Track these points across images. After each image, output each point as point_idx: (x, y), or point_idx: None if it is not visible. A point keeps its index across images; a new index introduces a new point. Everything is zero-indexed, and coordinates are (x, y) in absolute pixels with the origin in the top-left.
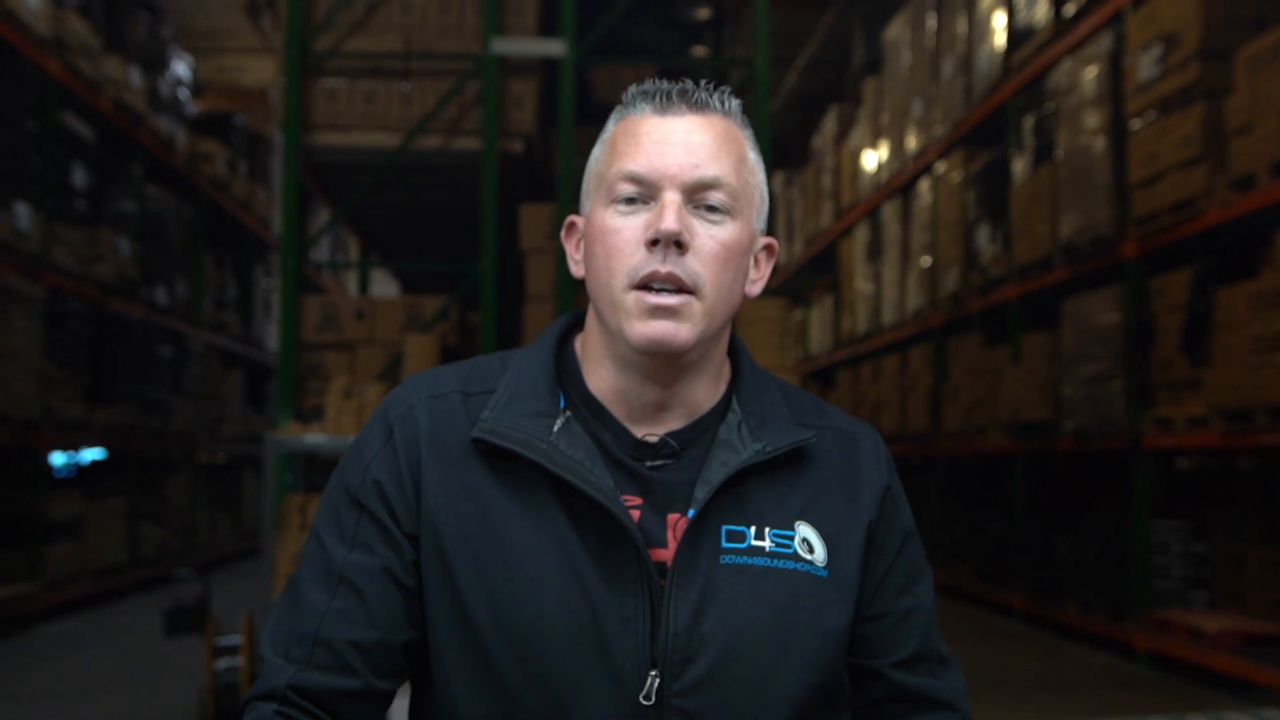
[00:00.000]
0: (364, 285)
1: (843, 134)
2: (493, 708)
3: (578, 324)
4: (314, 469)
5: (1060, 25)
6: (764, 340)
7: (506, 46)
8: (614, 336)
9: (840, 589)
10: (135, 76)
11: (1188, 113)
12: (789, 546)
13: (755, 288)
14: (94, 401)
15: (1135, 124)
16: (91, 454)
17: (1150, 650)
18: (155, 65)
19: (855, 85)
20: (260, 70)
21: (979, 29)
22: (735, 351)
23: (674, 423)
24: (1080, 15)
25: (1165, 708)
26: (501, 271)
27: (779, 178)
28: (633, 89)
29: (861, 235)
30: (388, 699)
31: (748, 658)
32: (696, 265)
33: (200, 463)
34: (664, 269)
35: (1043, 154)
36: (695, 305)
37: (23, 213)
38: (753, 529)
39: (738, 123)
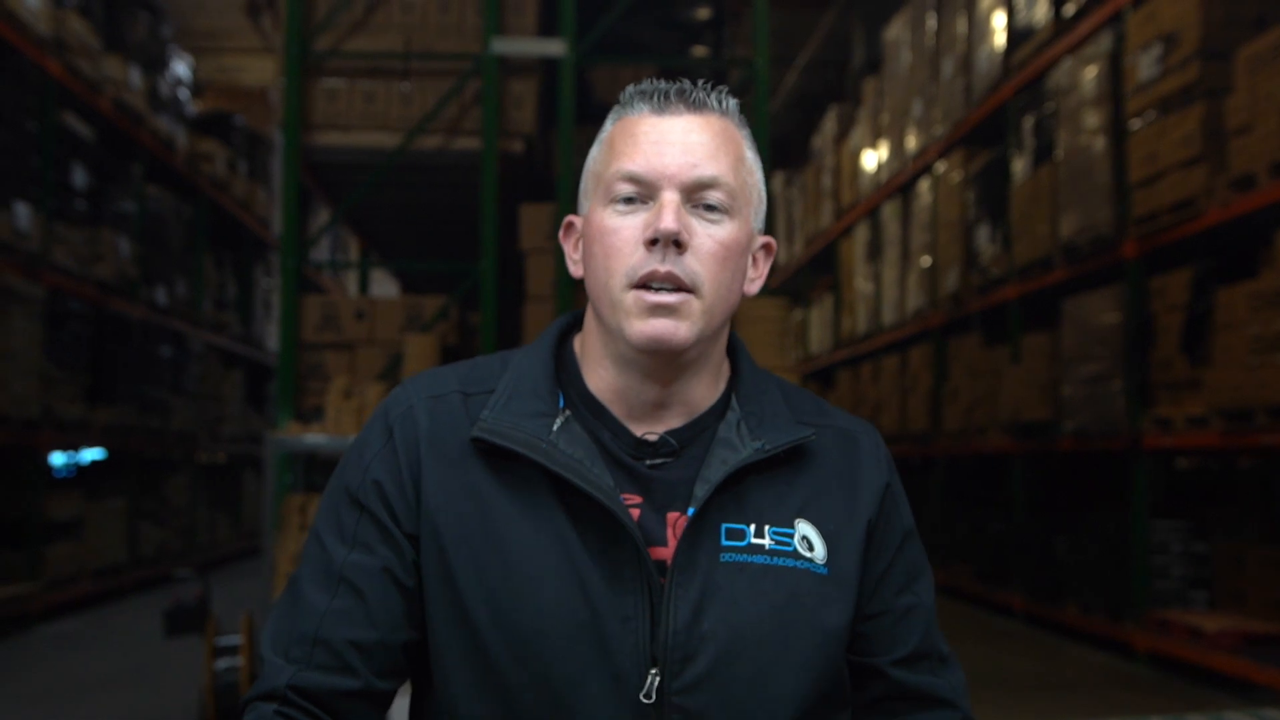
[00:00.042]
0: (364, 285)
1: (843, 134)
2: (493, 707)
3: (576, 324)
4: (314, 469)
5: (1060, 25)
6: (764, 340)
7: (506, 46)
8: (613, 335)
9: (840, 587)
10: (135, 76)
11: (1187, 112)
12: (789, 544)
13: (753, 286)
14: (94, 401)
15: (1135, 124)
16: (91, 454)
17: (1150, 650)
18: (155, 65)
19: (855, 85)
20: (260, 70)
21: (979, 29)
22: (734, 350)
23: (673, 421)
24: (1080, 15)
25: (1165, 708)
26: (501, 271)
27: (779, 178)
28: (630, 89)
29: (861, 235)
30: (388, 699)
31: (748, 656)
32: (695, 264)
33: (200, 463)
34: (663, 268)
35: (1043, 154)
36: (694, 303)
37: (23, 212)
38: (752, 527)
39: (735, 122)
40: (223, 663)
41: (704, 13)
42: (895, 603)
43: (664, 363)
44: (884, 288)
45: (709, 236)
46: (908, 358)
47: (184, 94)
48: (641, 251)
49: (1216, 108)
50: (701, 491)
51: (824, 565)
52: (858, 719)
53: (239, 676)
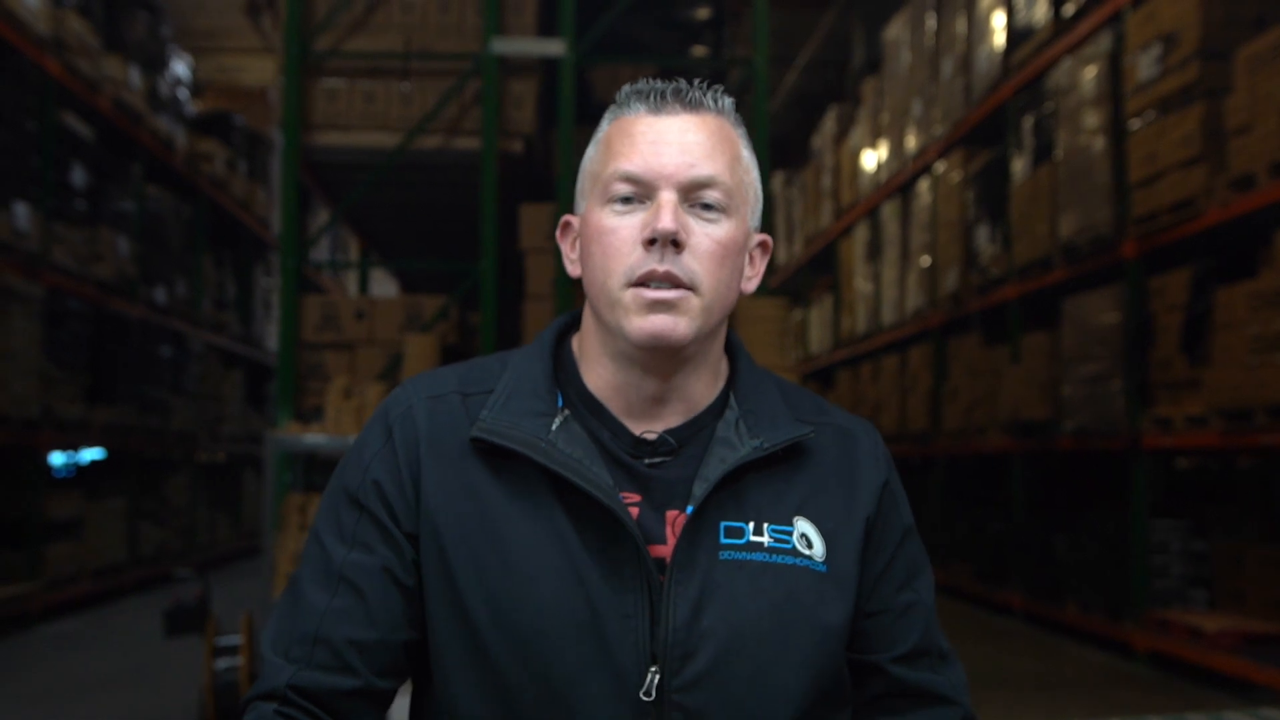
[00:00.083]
0: (364, 285)
1: (842, 134)
2: (493, 706)
3: (575, 324)
4: (314, 469)
5: (1060, 25)
6: (764, 340)
7: (506, 46)
8: (612, 333)
9: (839, 584)
10: (135, 76)
11: (1187, 112)
12: (788, 542)
13: (750, 284)
14: (93, 401)
15: (1135, 124)
16: (91, 454)
17: (1150, 649)
18: (155, 65)
19: (855, 85)
20: (260, 70)
21: (978, 29)
22: (732, 349)
23: (672, 420)
24: (1080, 15)
25: (1165, 707)
26: (501, 271)
27: (779, 177)
28: (626, 88)
29: (861, 235)
30: (388, 698)
31: (747, 653)
32: (693, 263)
33: (200, 462)
34: (661, 268)
35: (1042, 154)
36: (693, 300)
37: (22, 212)
38: (751, 525)
39: (731, 121)
40: (223, 662)
41: (704, 12)
42: (895, 600)
43: (663, 359)
44: (884, 287)
45: (706, 235)
46: (907, 357)
47: (183, 94)
48: (640, 251)
49: (1216, 108)
50: (700, 490)
51: (823, 563)
52: (858, 716)
53: (239, 676)
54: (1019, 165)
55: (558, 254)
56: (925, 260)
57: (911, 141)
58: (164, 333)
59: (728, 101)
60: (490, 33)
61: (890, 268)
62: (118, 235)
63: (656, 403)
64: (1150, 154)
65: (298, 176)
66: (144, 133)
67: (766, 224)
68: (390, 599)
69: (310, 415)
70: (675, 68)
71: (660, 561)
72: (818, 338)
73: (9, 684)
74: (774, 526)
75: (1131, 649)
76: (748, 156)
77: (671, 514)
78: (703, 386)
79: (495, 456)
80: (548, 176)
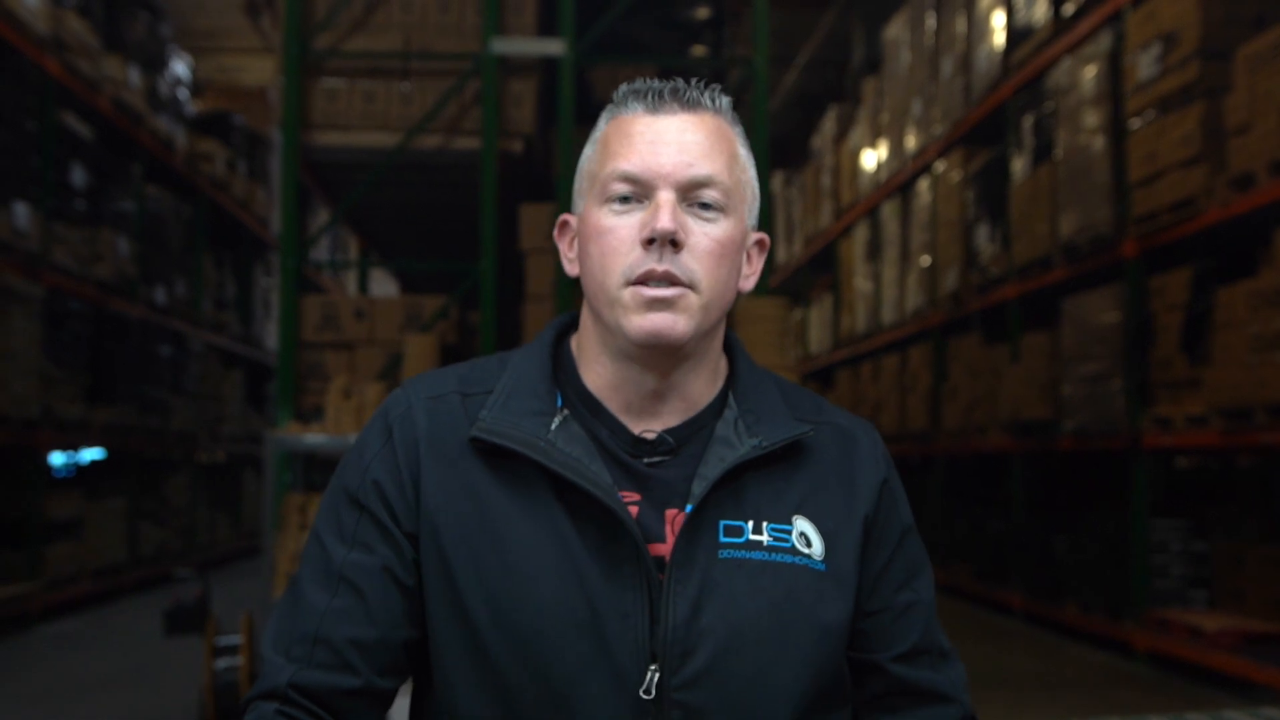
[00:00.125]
0: (363, 285)
1: (842, 133)
2: (493, 705)
3: (573, 324)
4: (314, 468)
5: (1059, 24)
6: (764, 339)
7: (506, 46)
8: (611, 332)
9: (838, 583)
10: (134, 76)
11: (1187, 112)
12: (787, 541)
13: (748, 283)
14: (93, 401)
15: (1134, 123)
16: (91, 454)
17: (1150, 649)
18: (154, 65)
19: (855, 85)
20: (260, 70)
21: (978, 28)
22: (731, 349)
23: (671, 419)
24: (1079, 14)
25: (1165, 707)
26: (501, 271)
27: (778, 177)
28: (623, 87)
29: (861, 235)
30: (389, 697)
31: (747, 651)
32: (692, 263)
33: (200, 462)
34: (660, 268)
35: (1042, 153)
36: (692, 297)
37: (22, 212)
38: (750, 524)
39: (728, 120)
40: (222, 662)
41: (703, 12)
42: (894, 599)
43: (662, 357)
44: (883, 287)
45: (705, 235)
46: (907, 357)
47: (183, 93)
48: (638, 251)
49: (1216, 107)
50: (699, 488)
51: (822, 562)
52: (859, 715)
53: (239, 676)
54: (1019, 165)
55: (558, 254)
56: (925, 260)
57: (911, 141)
58: (164, 333)
59: (725, 100)
60: (490, 32)
61: (890, 267)
62: (118, 235)
63: (655, 400)
64: (1150, 153)
65: (297, 176)
66: (144, 133)
67: (766, 224)
68: (390, 598)
69: (310, 415)
70: (675, 67)
71: (659, 560)
72: (817, 337)
73: (9, 684)
74: (773, 525)
75: (1131, 649)
76: (745, 155)
77: (671, 513)
78: (701, 385)
79: (495, 456)
80: (548, 176)
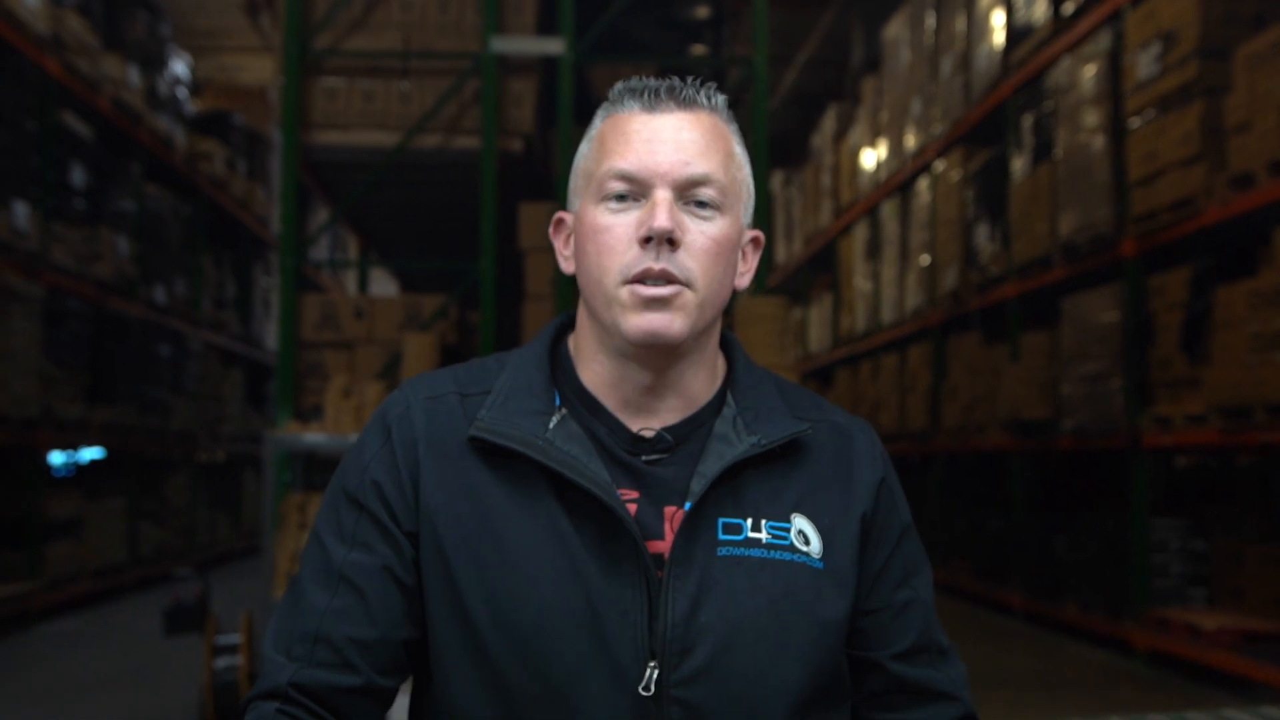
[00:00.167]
0: (363, 284)
1: (842, 132)
2: (493, 704)
3: (571, 324)
4: (313, 468)
5: (1059, 23)
6: (763, 339)
7: (505, 45)
8: (608, 330)
9: (836, 581)
10: (134, 75)
11: (1186, 111)
12: (785, 538)
13: (744, 280)
14: (93, 401)
15: (1134, 122)
16: (91, 453)
17: (1149, 648)
18: (154, 64)
19: (854, 84)
20: (259, 69)
21: (978, 27)
22: (729, 348)
23: (669, 417)
24: (1079, 13)
25: (1164, 705)
26: (500, 270)
27: (778, 176)
28: (619, 86)
29: (860, 234)
30: (389, 696)
31: (746, 648)
32: (689, 261)
33: (200, 462)
34: (657, 266)
35: (1042, 152)
36: (688, 296)
37: (21, 212)
38: (749, 521)
39: (724, 118)
40: (222, 661)
41: (703, 11)
42: (893, 598)
43: (659, 355)
44: (883, 286)
45: (701, 233)
46: (907, 356)
47: (183, 93)
48: (635, 249)
49: (1215, 106)
50: (698, 486)
51: (820, 559)
52: (859, 713)
53: (239, 675)
54: (1018, 164)
55: (555, 251)
56: (925, 259)
57: (911, 140)
58: (163, 332)
59: (720, 98)
60: (490, 31)
61: (890, 266)
62: (117, 235)
63: (652, 398)
64: (1150, 152)
65: (297, 175)
66: (143, 132)
67: (766, 223)
68: (390, 598)
69: (310, 414)
70: (675, 67)
71: (658, 557)
72: (817, 336)
73: (9, 683)
74: (772, 523)
75: (1131, 647)
76: (740, 153)
77: (670, 510)
78: (699, 383)
79: (493, 456)
80: (547, 175)
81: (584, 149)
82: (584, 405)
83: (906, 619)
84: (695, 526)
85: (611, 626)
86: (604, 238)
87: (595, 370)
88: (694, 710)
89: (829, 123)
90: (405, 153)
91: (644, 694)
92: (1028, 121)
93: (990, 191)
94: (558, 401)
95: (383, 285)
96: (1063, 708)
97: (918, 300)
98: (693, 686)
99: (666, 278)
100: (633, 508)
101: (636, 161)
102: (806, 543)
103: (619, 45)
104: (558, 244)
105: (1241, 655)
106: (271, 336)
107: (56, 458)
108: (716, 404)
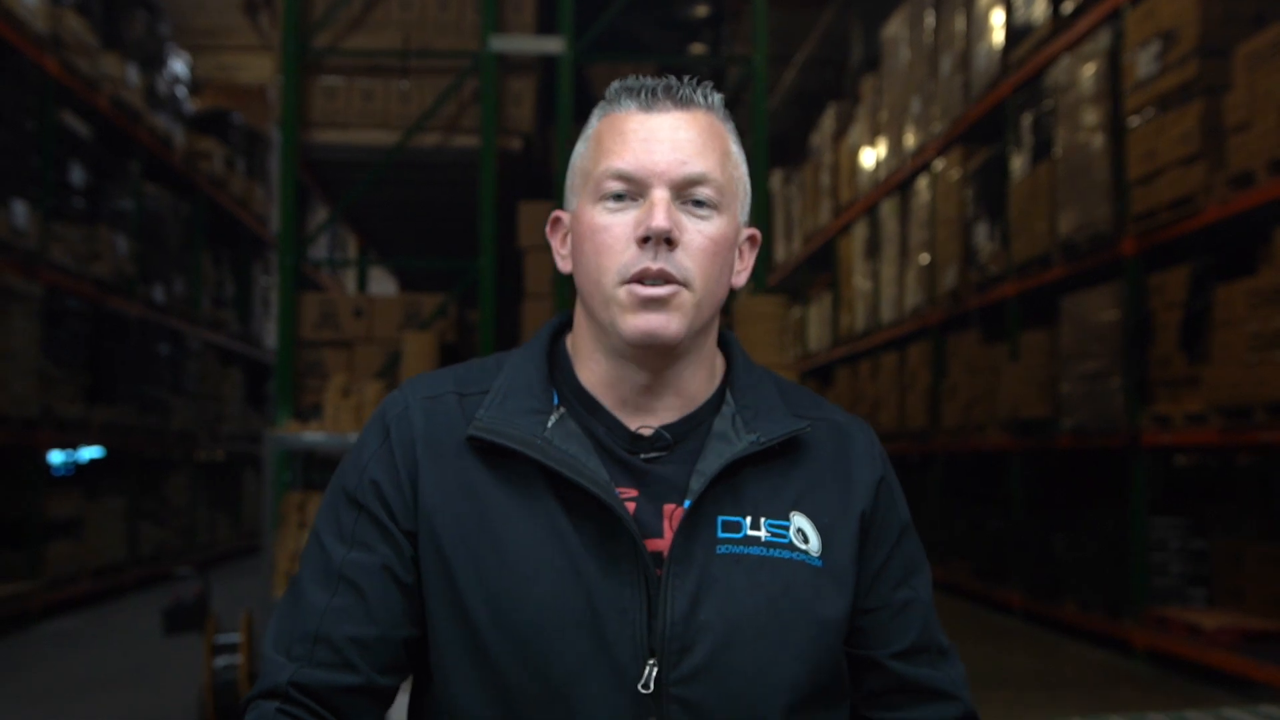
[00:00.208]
0: (362, 283)
1: (841, 131)
2: (493, 703)
3: (570, 324)
4: (313, 467)
5: (1058, 22)
6: (763, 338)
7: (505, 44)
8: (606, 330)
9: (835, 579)
10: (133, 74)
11: (1186, 110)
12: (784, 536)
13: (740, 278)
14: (93, 400)
15: (1134, 121)
16: (90, 453)
17: (1149, 647)
18: (153, 63)
19: (854, 83)
20: (258, 68)
21: (977, 26)
22: (727, 346)
23: (667, 415)
24: (1078, 12)
25: (1164, 705)
26: (500, 269)
27: (777, 175)
28: (615, 85)
29: (860, 233)
30: (389, 695)
31: (745, 646)
32: (686, 260)
33: (199, 461)
34: (655, 266)
35: (1041, 151)
36: (686, 295)
37: (20, 211)
38: (748, 519)
39: (719, 116)
40: (222, 660)
41: (703, 10)
42: (893, 597)
43: (656, 355)
44: (882, 285)
45: (699, 233)
46: (906, 355)
47: (182, 92)
48: (633, 249)
49: (1215, 105)
50: (697, 484)
51: (818, 558)
52: (859, 712)
53: (238, 674)
54: (1018, 163)
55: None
56: (924, 258)
57: (910, 139)
58: (162, 331)
59: (716, 97)
60: (489, 30)
61: (889, 265)
62: (116, 234)
63: (650, 396)
64: (1149, 151)
65: (296, 174)
66: (142, 131)
67: (765, 222)
68: (390, 597)
69: (309, 413)
70: (674, 66)
71: (657, 556)
72: (816, 335)
73: (9, 683)
74: (771, 521)
75: (1131, 647)
76: (736, 151)
77: (669, 508)
78: (698, 382)
79: (492, 455)
80: (546, 174)
81: (580, 148)
82: (582, 404)
83: (906, 618)
84: (694, 524)
85: (611, 625)
86: (602, 237)
87: (593, 369)
88: (693, 708)
89: (828, 122)
90: (404, 151)
91: (643, 692)
92: (1027, 120)
93: (989, 190)
94: (556, 401)
95: (382, 284)
96: (1062, 707)
97: (917, 299)
98: (692, 684)
99: (665, 277)
100: (631, 506)
101: (634, 161)
102: (805, 541)
103: (618, 44)
104: (555, 243)
105: (1241, 654)
106: (271, 335)
107: (56, 457)
108: (715, 402)
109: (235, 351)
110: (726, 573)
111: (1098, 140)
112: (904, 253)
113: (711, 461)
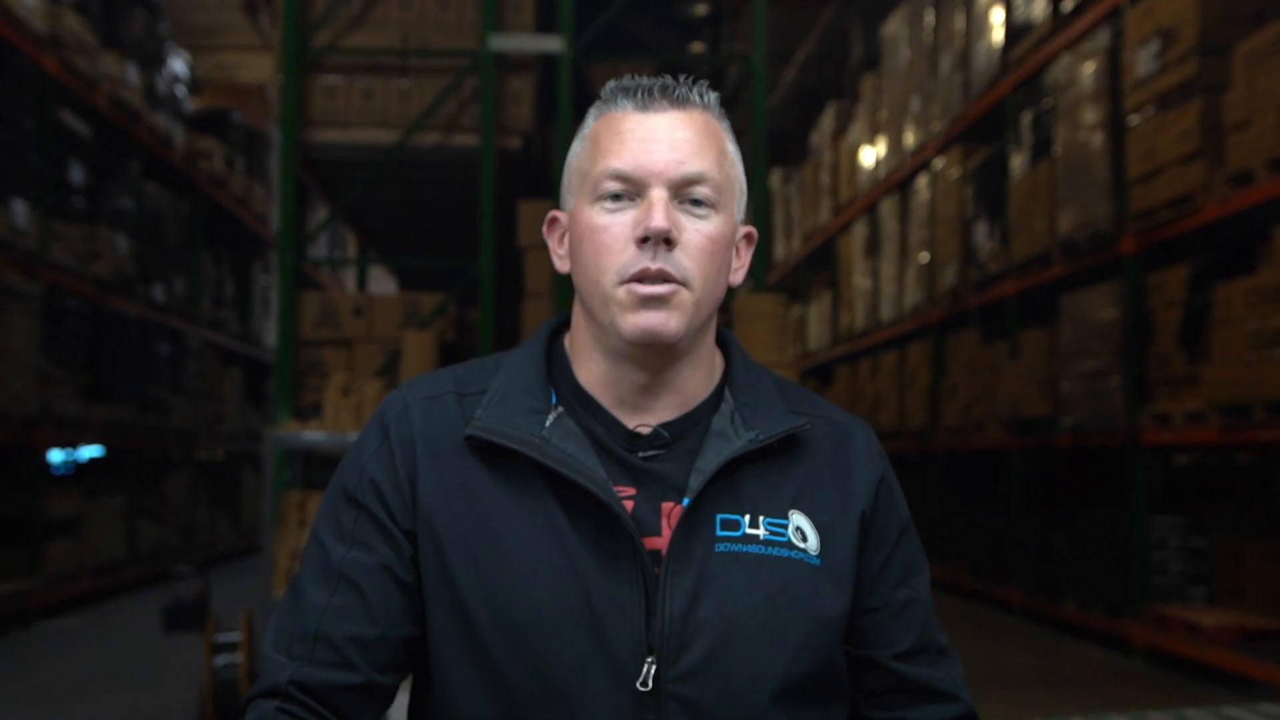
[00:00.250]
0: (362, 282)
1: (841, 130)
2: (492, 702)
3: (568, 323)
4: (312, 466)
5: (1058, 21)
6: (763, 337)
7: (504, 43)
8: (605, 330)
9: (834, 577)
10: (132, 73)
11: (1186, 108)
12: (783, 535)
13: (737, 276)
14: (92, 399)
15: (1133, 119)
16: (90, 452)
17: (1148, 646)
18: (152, 62)
19: (853, 81)
20: (258, 67)
21: (977, 24)
22: (726, 344)
23: (666, 414)
24: (1078, 11)
25: (1163, 703)
26: (500, 268)
27: (777, 174)
28: (611, 84)
29: (860, 231)
30: (389, 695)
31: (743, 644)
32: (685, 260)
33: (199, 460)
34: (654, 265)
35: (1041, 150)
36: (685, 294)
37: (20, 210)
38: (747, 517)
39: (716, 115)
40: (222, 659)
41: (702, 9)
42: (893, 597)
43: (655, 354)
44: (882, 284)
45: (697, 232)
46: (906, 354)
47: (181, 91)
48: (632, 249)
49: (1215, 103)
50: (696, 482)
51: (817, 556)
52: (859, 712)
53: (238, 673)
54: (1018, 161)
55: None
56: (924, 256)
57: (910, 138)
58: (162, 330)
59: (713, 96)
60: (488, 29)
61: (889, 264)
62: (116, 233)
63: (648, 395)
64: (1149, 150)
65: (296, 173)
66: (142, 130)
67: (765, 220)
68: (390, 596)
69: (309, 412)
70: (674, 64)
71: (656, 554)
72: (816, 334)
73: (9, 682)
74: (769, 519)
75: (1130, 645)
76: (733, 150)
77: (667, 506)
78: (696, 381)
79: (491, 454)
80: (546, 173)
81: (577, 148)
82: (580, 403)
83: (906, 618)
84: (693, 522)
85: (609, 623)
86: (600, 237)
87: (591, 369)
88: (692, 706)
89: (828, 120)
90: (404, 150)
91: (642, 690)
92: (1027, 119)
93: (989, 189)
94: (554, 400)
95: (382, 283)
96: (1062, 705)
97: (917, 298)
98: (690, 682)
99: (664, 277)
100: (630, 504)
101: (632, 161)
102: (804, 539)
103: (618, 43)
104: (552, 243)
105: (1241, 653)
106: (270, 334)
107: (56, 456)
108: (714, 401)
109: (235, 351)
110: (725, 571)
111: (1097, 139)
112: (904, 251)
113: (710, 459)
